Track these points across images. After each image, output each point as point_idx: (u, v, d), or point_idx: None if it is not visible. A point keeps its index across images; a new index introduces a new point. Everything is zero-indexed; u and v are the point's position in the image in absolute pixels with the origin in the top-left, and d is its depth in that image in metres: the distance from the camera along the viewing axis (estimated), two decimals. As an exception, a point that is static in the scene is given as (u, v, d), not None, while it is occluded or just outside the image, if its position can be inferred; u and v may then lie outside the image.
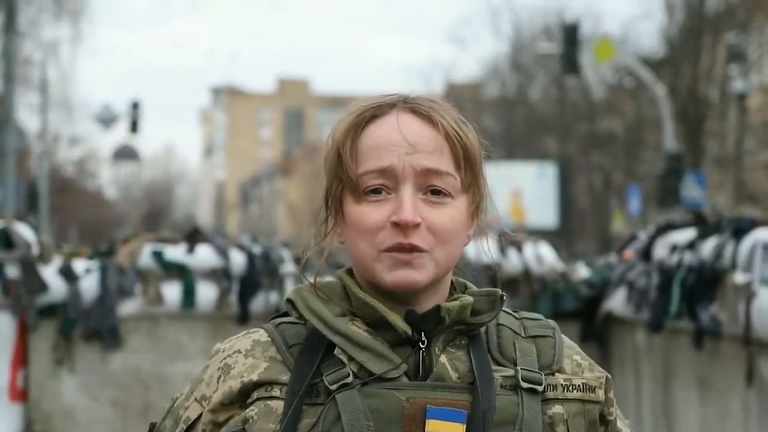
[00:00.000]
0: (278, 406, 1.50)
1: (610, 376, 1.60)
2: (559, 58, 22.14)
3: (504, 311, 1.61)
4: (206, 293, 7.71)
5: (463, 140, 1.55)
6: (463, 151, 1.55)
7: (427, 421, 1.46)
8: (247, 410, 1.52)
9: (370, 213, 1.52)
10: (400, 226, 1.50)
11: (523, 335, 1.59)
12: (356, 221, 1.53)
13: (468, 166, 1.56)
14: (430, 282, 1.54)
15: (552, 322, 1.64)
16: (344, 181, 1.55)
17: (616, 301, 8.23)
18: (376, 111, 1.56)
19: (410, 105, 1.56)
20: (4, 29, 21.13)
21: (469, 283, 1.64)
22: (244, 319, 7.60)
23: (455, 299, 1.56)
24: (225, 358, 1.57)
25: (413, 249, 1.51)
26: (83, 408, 7.39)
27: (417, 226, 1.51)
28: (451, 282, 1.61)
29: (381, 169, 1.52)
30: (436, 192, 1.53)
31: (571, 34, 20.48)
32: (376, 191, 1.53)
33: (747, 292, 5.95)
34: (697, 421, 6.96)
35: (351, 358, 1.51)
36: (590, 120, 33.01)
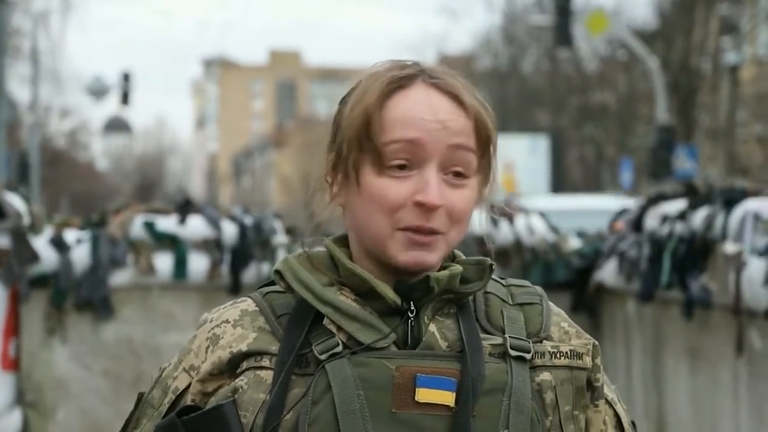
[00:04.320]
0: (268, 376, 1.50)
1: (597, 342, 1.60)
2: (551, 31, 22.09)
3: (491, 279, 1.61)
4: (198, 264, 7.72)
5: (486, 122, 1.55)
6: (485, 132, 1.55)
7: (417, 389, 1.46)
8: (237, 380, 1.52)
9: (392, 188, 1.50)
10: (422, 207, 1.49)
11: (511, 303, 1.59)
12: (376, 195, 1.51)
13: (487, 148, 1.56)
14: (440, 262, 1.54)
15: (539, 289, 1.64)
16: (366, 150, 1.52)
17: (607, 272, 8.26)
18: (402, 82, 1.53)
19: (436, 81, 1.54)
20: (-6, 0, 21.00)
21: (457, 251, 1.63)
22: (235, 289, 7.61)
23: (444, 268, 1.55)
24: (213, 328, 1.57)
25: (432, 232, 1.50)
26: (75, 378, 7.40)
27: (439, 208, 1.50)
28: None
29: (409, 140, 1.50)
30: (457, 174, 1.52)
31: (563, 6, 20.41)
32: (399, 167, 1.51)
33: (737, 262, 5.97)
34: (687, 391, 7.00)
35: (340, 328, 1.50)
36: (583, 92, 32.99)
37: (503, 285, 1.63)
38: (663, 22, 28.48)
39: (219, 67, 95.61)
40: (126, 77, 28.14)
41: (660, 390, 7.43)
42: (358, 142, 1.52)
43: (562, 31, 20.55)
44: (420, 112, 1.51)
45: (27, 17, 29.96)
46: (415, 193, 1.49)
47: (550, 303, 1.63)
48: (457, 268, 1.55)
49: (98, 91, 30.33)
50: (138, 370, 7.45)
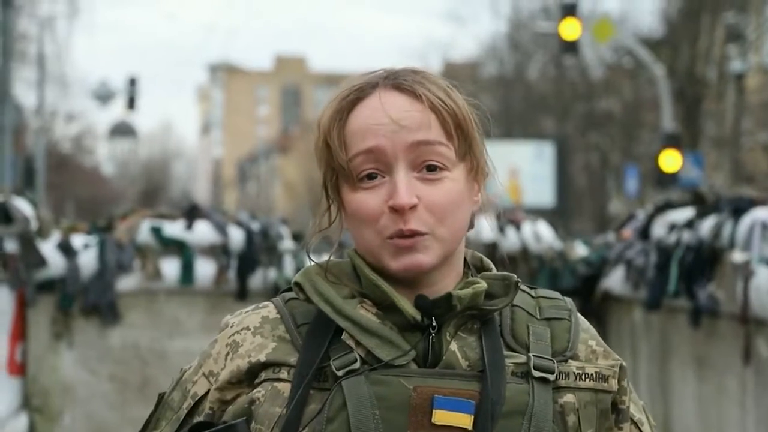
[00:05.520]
0: (285, 388, 1.48)
1: (624, 363, 1.57)
2: (557, 37, 22.08)
3: (520, 288, 1.57)
4: (205, 269, 7.72)
5: (450, 108, 1.51)
6: (452, 119, 1.51)
7: (434, 411, 1.44)
8: (254, 391, 1.50)
9: (366, 200, 1.49)
10: (397, 211, 1.47)
11: (538, 317, 1.56)
12: (355, 210, 1.50)
13: (460, 133, 1.51)
14: (439, 261, 1.50)
15: (569, 302, 1.60)
16: (337, 170, 1.52)
17: (614, 280, 8.25)
18: (358, 94, 1.52)
19: (393, 82, 1.52)
20: (0, 4, 21.04)
21: (485, 259, 1.60)
22: (242, 295, 7.60)
23: (469, 284, 1.52)
24: (233, 335, 1.55)
25: (413, 234, 1.47)
26: (81, 382, 7.40)
27: (414, 207, 1.47)
28: (465, 259, 1.57)
29: (368, 150, 1.49)
30: (432, 168, 1.49)
31: (570, 13, 20.39)
32: (370, 176, 1.49)
33: (745, 271, 5.97)
34: (694, 399, 6.99)
35: (358, 343, 1.48)
36: (588, 100, 32.92)
37: (532, 296, 1.59)
38: (669, 30, 28.46)
39: (224, 72, 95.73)
40: (132, 82, 28.14)
41: (666, 398, 7.41)
42: (328, 165, 1.53)
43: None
44: (374, 118, 1.49)
45: (33, 22, 30.01)
46: (388, 198, 1.48)
47: (580, 317, 1.59)
48: (481, 285, 1.52)
49: (104, 96, 30.35)
50: (144, 375, 7.45)
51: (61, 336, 7.34)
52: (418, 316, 1.48)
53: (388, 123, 1.49)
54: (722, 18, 26.92)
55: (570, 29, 19.35)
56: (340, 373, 1.46)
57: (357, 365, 1.46)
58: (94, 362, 7.45)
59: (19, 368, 7.13)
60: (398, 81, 1.52)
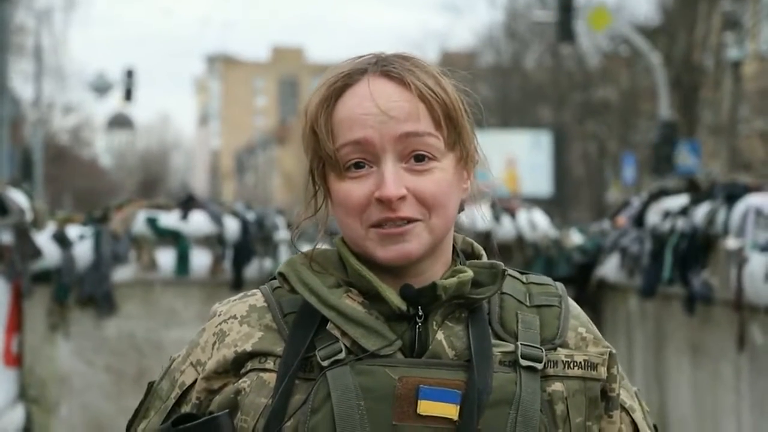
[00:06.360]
0: (271, 379, 1.47)
1: (614, 351, 1.55)
2: (554, 26, 22.07)
3: (510, 275, 1.55)
4: (200, 259, 7.73)
5: (440, 96, 1.48)
6: (442, 108, 1.48)
7: (419, 401, 1.42)
8: (240, 381, 1.49)
9: (353, 190, 1.47)
10: (384, 202, 1.45)
11: (528, 304, 1.54)
12: (341, 200, 1.48)
13: (449, 122, 1.49)
14: (427, 251, 1.49)
15: (560, 288, 1.58)
16: (324, 158, 1.50)
17: (609, 267, 8.27)
18: (346, 80, 1.50)
19: (382, 68, 1.49)
20: (-4, -4, 21.01)
21: (476, 245, 1.58)
22: (238, 285, 7.61)
23: (455, 272, 1.50)
24: (221, 323, 1.54)
25: (406, 219, 1.46)
26: (78, 373, 7.41)
27: (403, 198, 1.46)
28: (455, 246, 1.56)
29: (355, 141, 1.47)
30: (420, 158, 1.47)
31: (566, 2, 20.37)
32: (357, 165, 1.47)
33: (739, 258, 5.98)
34: (689, 386, 7.01)
35: (344, 333, 1.46)
36: (585, 88, 32.91)
37: (523, 282, 1.57)
38: (665, 18, 28.43)
39: (222, 63, 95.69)
40: (129, 74, 28.10)
41: (662, 385, 7.43)
42: (315, 153, 1.51)
43: (565, 26, 20.51)
44: (363, 108, 1.47)
45: (30, 14, 30.01)
46: (375, 189, 1.46)
47: (571, 302, 1.57)
48: (467, 274, 1.50)
49: (101, 88, 30.29)
50: (140, 365, 7.46)
51: (57, 327, 7.35)
52: (404, 306, 1.47)
53: (377, 113, 1.46)
54: (719, 5, 26.90)
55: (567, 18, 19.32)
56: (325, 364, 1.44)
57: (342, 355, 1.45)
58: (90, 353, 7.46)
59: (15, 359, 7.13)
60: (387, 68, 1.49)
